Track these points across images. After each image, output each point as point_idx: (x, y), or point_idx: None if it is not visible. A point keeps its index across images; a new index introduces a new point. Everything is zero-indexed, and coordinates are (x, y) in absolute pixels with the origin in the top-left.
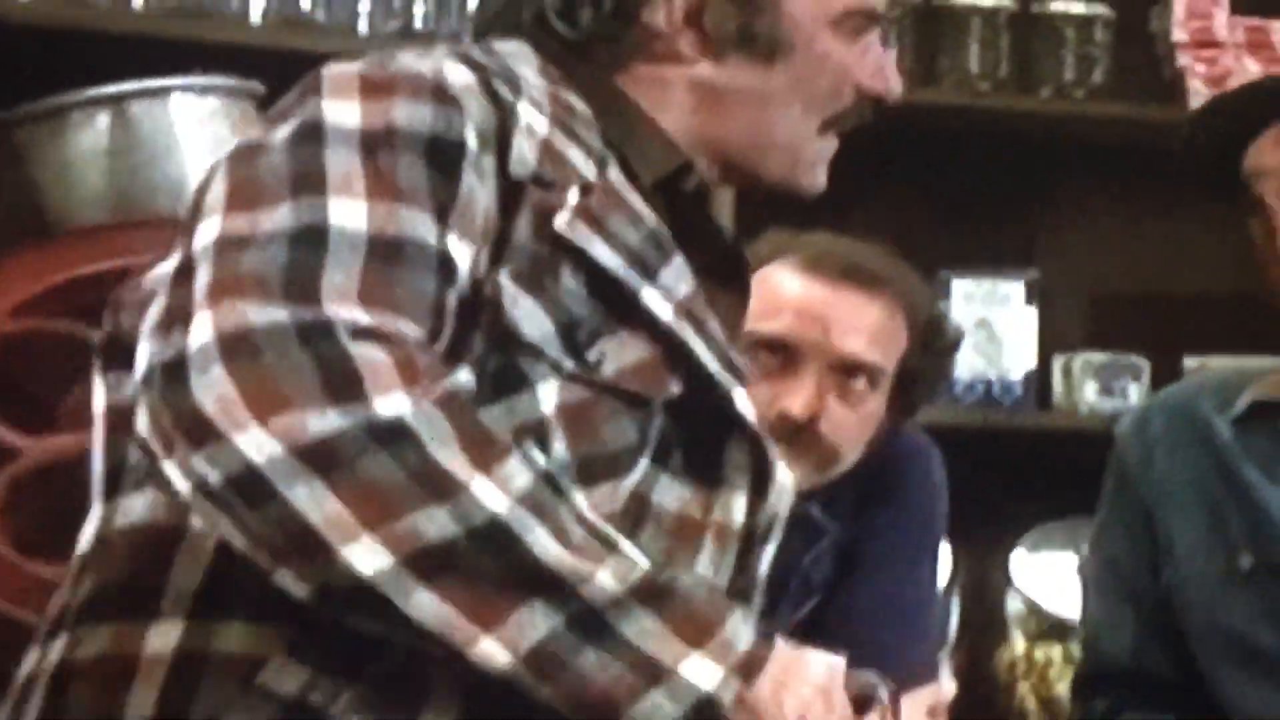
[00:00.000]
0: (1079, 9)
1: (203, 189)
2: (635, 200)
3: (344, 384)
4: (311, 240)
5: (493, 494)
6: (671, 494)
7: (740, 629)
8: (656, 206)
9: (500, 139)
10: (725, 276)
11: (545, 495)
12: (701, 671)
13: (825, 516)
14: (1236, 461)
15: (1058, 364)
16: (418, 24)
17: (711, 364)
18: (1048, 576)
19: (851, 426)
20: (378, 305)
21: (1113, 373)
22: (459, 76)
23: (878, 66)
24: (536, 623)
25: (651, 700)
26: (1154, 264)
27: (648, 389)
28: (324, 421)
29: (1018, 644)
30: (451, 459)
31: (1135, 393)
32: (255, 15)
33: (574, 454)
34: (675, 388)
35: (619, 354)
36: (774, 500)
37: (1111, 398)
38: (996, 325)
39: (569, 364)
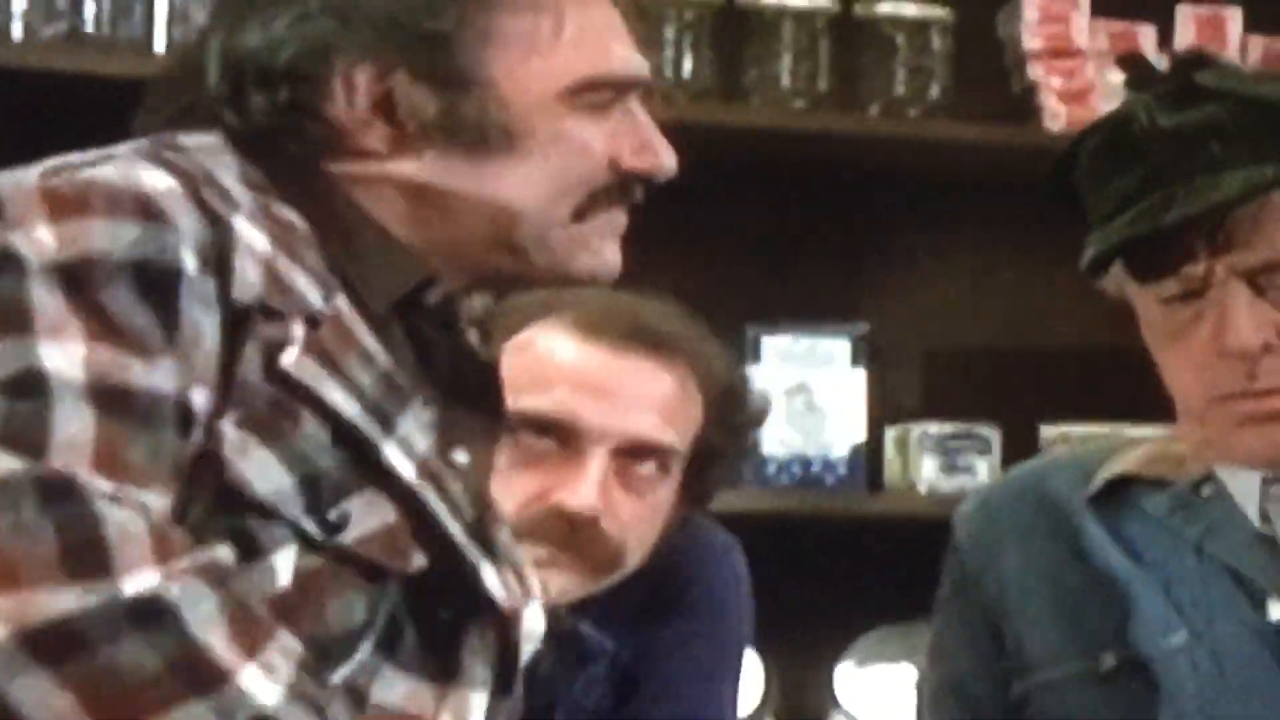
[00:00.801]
0: (912, 11)
1: None
2: (364, 335)
3: (88, 556)
4: (28, 388)
5: (262, 685)
6: (395, 689)
7: None
8: (391, 334)
9: (219, 259)
10: (474, 399)
11: (311, 687)
12: None
13: (600, 633)
14: (1095, 548)
15: (891, 436)
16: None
17: (458, 534)
18: (880, 694)
19: (639, 522)
20: (120, 472)
21: (956, 446)
22: (159, 183)
23: (640, 141)
24: None
25: None
26: (1004, 317)
27: (392, 560)
28: (59, 601)
29: None
30: (216, 644)
31: (984, 469)
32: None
33: (293, 633)
34: (419, 560)
35: (364, 517)
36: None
37: (955, 475)
38: (817, 391)
39: (309, 526)
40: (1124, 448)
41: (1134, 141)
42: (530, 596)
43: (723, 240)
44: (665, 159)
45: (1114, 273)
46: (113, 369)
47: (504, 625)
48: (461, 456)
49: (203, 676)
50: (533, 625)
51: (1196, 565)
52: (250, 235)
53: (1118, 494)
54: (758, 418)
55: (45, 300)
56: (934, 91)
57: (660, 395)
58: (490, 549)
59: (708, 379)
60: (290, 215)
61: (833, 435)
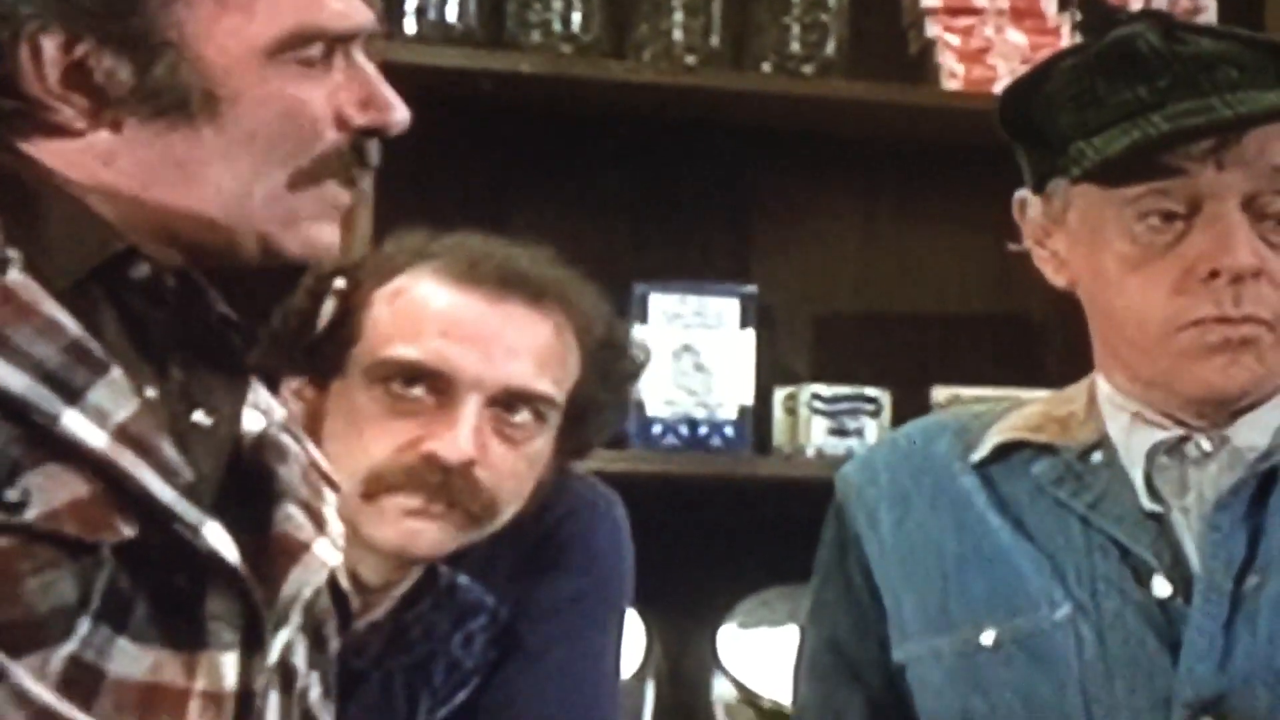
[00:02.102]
0: None
1: None
2: (48, 307)
3: None
4: None
5: None
6: (136, 661)
7: None
8: (93, 307)
9: None
10: (215, 360)
11: None
12: None
13: (478, 587)
14: (979, 514)
15: (779, 398)
16: None
17: (168, 496)
18: (764, 656)
19: (514, 472)
20: None
21: (846, 409)
22: None
23: (366, 94)
24: None
25: None
26: (895, 278)
27: (90, 532)
28: None
29: None
30: None
31: (874, 431)
32: None
33: None
34: (127, 529)
35: (48, 492)
36: (280, 640)
37: (845, 438)
38: (705, 352)
39: None
40: (1011, 410)
41: (1140, 58)
42: (323, 532)
43: (611, 198)
44: (396, 111)
45: (1032, 218)
46: None
47: (239, 583)
48: (201, 417)
49: None
50: (321, 559)
51: (1082, 537)
52: None
53: (1005, 459)
54: (637, 369)
55: None
56: (829, 48)
57: (536, 344)
58: (210, 508)
59: (585, 329)
60: None
61: (720, 396)
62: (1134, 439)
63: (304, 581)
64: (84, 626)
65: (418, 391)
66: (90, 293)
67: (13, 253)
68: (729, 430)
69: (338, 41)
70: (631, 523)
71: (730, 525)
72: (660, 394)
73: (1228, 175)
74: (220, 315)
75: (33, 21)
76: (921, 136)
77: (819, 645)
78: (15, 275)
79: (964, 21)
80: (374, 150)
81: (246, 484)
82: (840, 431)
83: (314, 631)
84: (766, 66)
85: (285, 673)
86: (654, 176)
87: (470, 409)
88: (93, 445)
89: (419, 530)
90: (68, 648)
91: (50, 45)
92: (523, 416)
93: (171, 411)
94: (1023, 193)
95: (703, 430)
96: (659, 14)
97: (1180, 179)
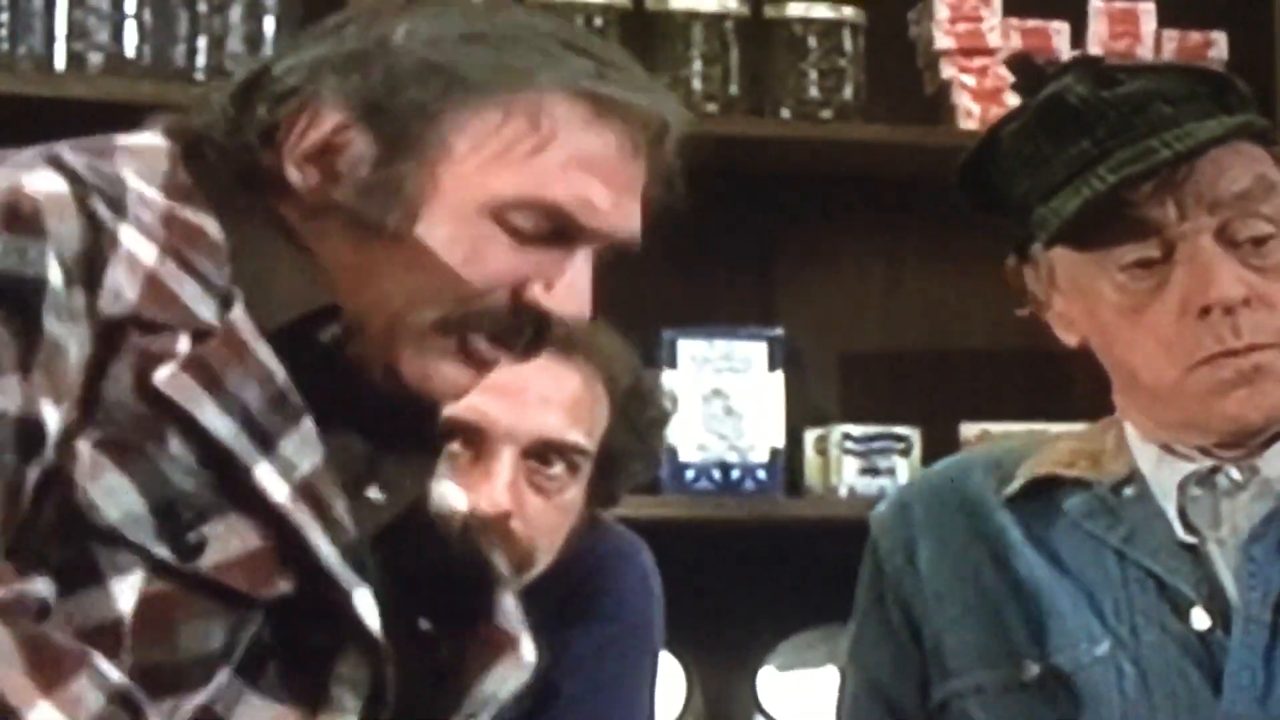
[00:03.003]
0: (823, 12)
1: None
2: (263, 351)
3: None
4: None
5: None
6: (256, 715)
7: None
8: (285, 357)
9: (90, 269)
10: (405, 437)
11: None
12: None
13: None
14: (1014, 550)
15: (810, 439)
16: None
17: (331, 558)
18: (803, 699)
19: (549, 524)
20: None
21: (877, 448)
22: (44, 186)
23: (560, 282)
24: None
25: None
26: (921, 316)
27: (253, 587)
28: None
29: None
30: (7, 680)
31: (905, 470)
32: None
33: (137, 660)
34: (285, 586)
35: (225, 541)
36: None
37: (876, 477)
38: (734, 396)
39: (161, 551)
40: (1043, 445)
41: (1074, 113)
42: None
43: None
44: (572, 309)
45: (1033, 268)
46: None
47: (375, 653)
48: (375, 493)
49: None
50: (528, 660)
51: (1119, 570)
52: (135, 243)
53: (1037, 494)
54: (665, 417)
55: None
56: (846, 92)
57: (567, 395)
58: (366, 575)
59: (614, 378)
60: (204, 221)
61: (751, 439)
62: (1164, 472)
63: (506, 681)
64: (223, 677)
65: (453, 447)
66: (286, 344)
67: (239, 290)
68: (761, 473)
69: (568, 229)
70: (667, 568)
71: (766, 568)
72: (692, 439)
73: (1191, 213)
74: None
75: (326, 94)
76: (940, 176)
77: (859, 686)
78: (238, 312)
79: (978, 62)
80: (527, 337)
81: (457, 568)
82: (872, 471)
83: None
84: (785, 112)
85: None
86: (678, 224)
87: (505, 462)
88: (276, 499)
89: None
90: (202, 697)
91: (329, 122)
92: (557, 468)
93: (346, 480)
94: (1012, 260)
95: (735, 474)
96: (678, 63)
97: (1146, 227)
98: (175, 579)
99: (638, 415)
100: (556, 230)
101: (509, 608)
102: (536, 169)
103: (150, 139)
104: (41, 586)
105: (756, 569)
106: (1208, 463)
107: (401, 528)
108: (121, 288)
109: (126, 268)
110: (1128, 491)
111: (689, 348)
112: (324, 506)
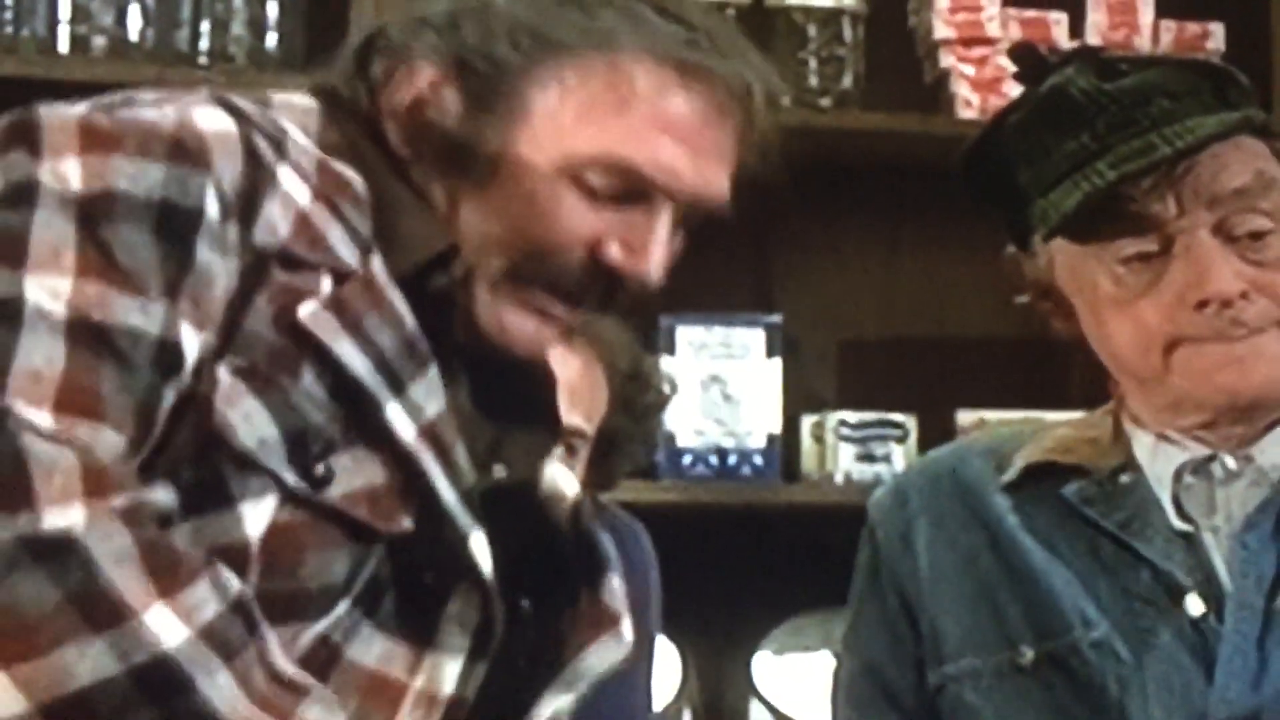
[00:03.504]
0: (823, 1)
1: None
2: (396, 298)
3: (6, 490)
4: (4, 317)
5: (170, 625)
6: (372, 648)
7: None
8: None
9: (248, 203)
10: (520, 405)
11: (235, 632)
12: None
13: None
14: (1011, 536)
15: (807, 426)
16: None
17: (451, 499)
18: (798, 682)
19: None
20: (73, 407)
21: (873, 435)
22: (212, 124)
23: (635, 241)
24: None
25: None
26: (918, 304)
27: (377, 520)
28: None
29: None
30: (125, 581)
31: (901, 457)
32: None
33: (262, 586)
34: (406, 522)
35: (351, 474)
36: (558, 705)
37: (872, 464)
38: (732, 382)
39: (291, 478)
40: (1039, 432)
41: (1075, 106)
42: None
43: None
44: (646, 267)
45: (1032, 259)
46: (95, 305)
47: (485, 594)
48: (500, 472)
49: (102, 613)
50: (627, 639)
51: (1114, 558)
52: (291, 184)
53: (1034, 481)
54: (663, 402)
55: (48, 232)
56: (846, 81)
57: (565, 378)
58: (480, 519)
59: (614, 363)
60: (351, 176)
61: (748, 425)
62: (1159, 459)
63: (606, 657)
64: (342, 608)
65: None
66: (410, 292)
67: (377, 241)
68: (758, 459)
69: (642, 186)
70: (664, 552)
71: (761, 553)
72: (689, 424)
73: (1190, 208)
74: (543, 368)
75: (423, 51)
76: (939, 165)
77: (856, 670)
78: (377, 261)
79: (978, 52)
80: (604, 293)
81: (571, 548)
82: (868, 457)
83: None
84: (785, 100)
85: None
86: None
87: None
88: (404, 438)
89: None
90: (322, 625)
91: (424, 77)
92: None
93: (472, 450)
94: (1011, 250)
95: (732, 459)
96: None
97: (1145, 221)
98: (304, 508)
99: (637, 400)
100: (633, 191)
101: (615, 587)
102: (614, 129)
103: (301, 98)
104: (163, 495)
105: (752, 554)
106: (1203, 451)
107: (508, 507)
108: (276, 222)
109: (281, 205)
110: (1124, 479)
111: (687, 334)
112: (446, 450)
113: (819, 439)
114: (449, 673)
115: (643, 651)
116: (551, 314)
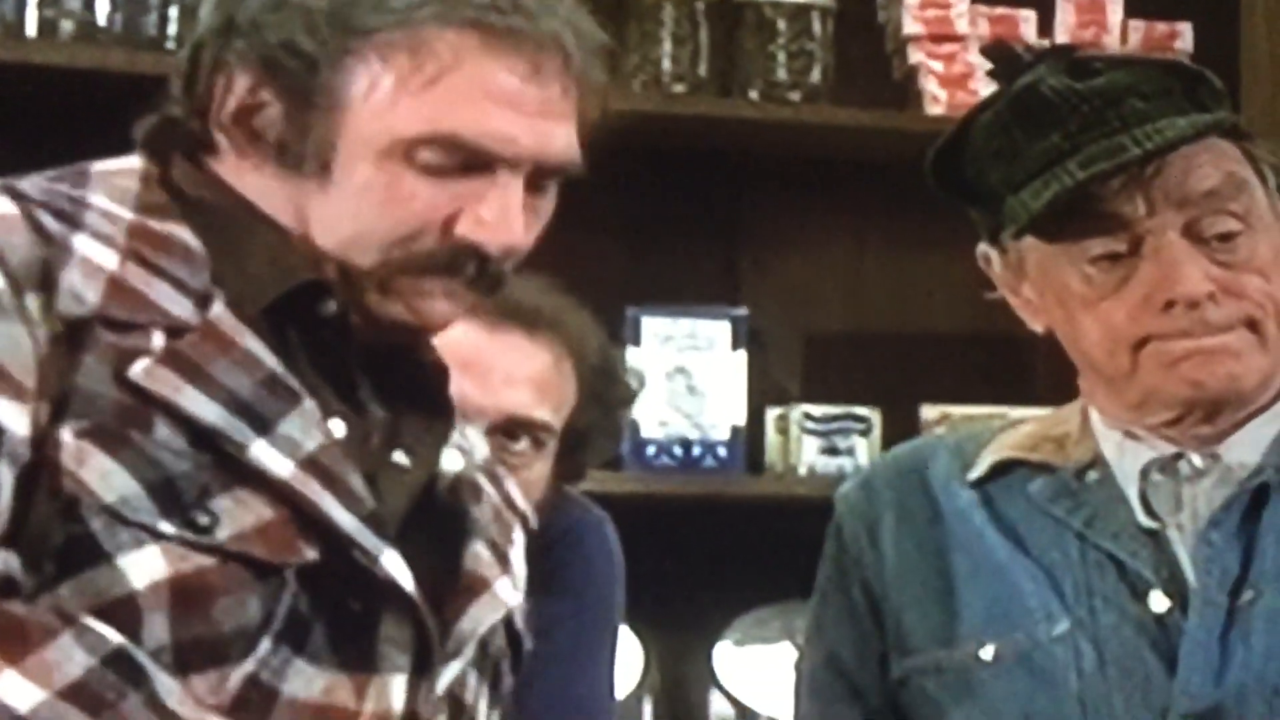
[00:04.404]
0: None
1: None
2: (247, 340)
3: None
4: None
5: (22, 689)
6: (310, 683)
7: None
8: (284, 339)
9: (44, 274)
10: (417, 401)
11: (109, 685)
12: None
13: None
14: (977, 531)
15: (771, 418)
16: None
17: (350, 525)
18: (759, 673)
19: None
20: None
21: (837, 428)
22: None
23: (488, 214)
24: None
25: None
26: (884, 299)
27: (275, 555)
28: None
29: None
30: None
31: (865, 450)
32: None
33: (174, 636)
34: (310, 553)
35: (237, 515)
36: (451, 672)
37: (836, 457)
38: (697, 374)
39: (170, 528)
40: (1006, 429)
41: (1047, 105)
42: (506, 572)
43: (603, 223)
44: (504, 236)
45: (998, 271)
46: None
47: (413, 610)
48: (400, 457)
49: None
50: (501, 598)
51: (1079, 553)
52: (92, 250)
53: (1001, 477)
54: (631, 395)
55: None
56: (815, 75)
57: (534, 372)
58: (389, 539)
59: (581, 356)
60: (176, 230)
61: (713, 417)
62: (1127, 457)
63: (481, 618)
64: (264, 646)
65: None
66: (284, 324)
67: (216, 288)
68: (722, 450)
69: (482, 157)
70: (627, 543)
71: (724, 544)
72: (654, 415)
73: (1159, 209)
74: (431, 360)
75: (235, 59)
76: (906, 160)
77: (819, 663)
78: (219, 309)
79: (946, 48)
80: (471, 267)
81: (439, 520)
82: (831, 450)
83: (491, 670)
84: (754, 94)
85: (454, 705)
86: (645, 202)
87: None
88: (278, 474)
89: None
90: (247, 667)
91: (241, 84)
92: (522, 444)
93: (370, 448)
94: (984, 247)
95: (696, 451)
96: (648, 43)
97: (1115, 221)
98: (200, 553)
99: (605, 393)
100: (470, 162)
101: (479, 552)
102: (430, 104)
103: (126, 162)
104: (7, 561)
105: (715, 545)
106: (1170, 449)
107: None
108: (79, 290)
109: (82, 272)
110: (1091, 476)
111: (653, 325)
112: (335, 480)
113: (783, 431)
114: (396, 691)
115: (607, 640)
116: (443, 294)
